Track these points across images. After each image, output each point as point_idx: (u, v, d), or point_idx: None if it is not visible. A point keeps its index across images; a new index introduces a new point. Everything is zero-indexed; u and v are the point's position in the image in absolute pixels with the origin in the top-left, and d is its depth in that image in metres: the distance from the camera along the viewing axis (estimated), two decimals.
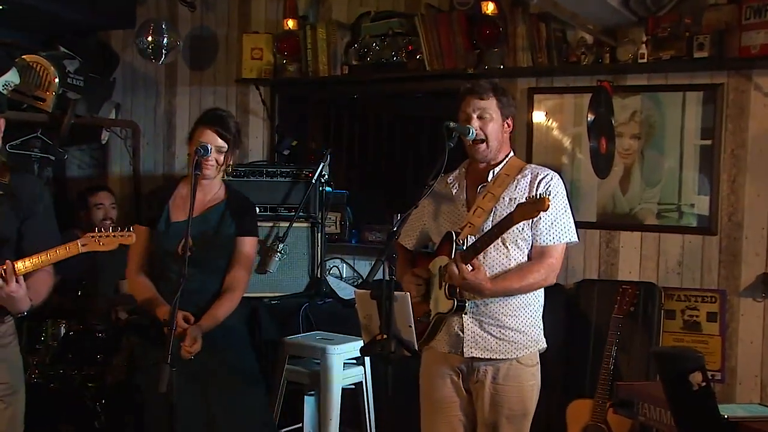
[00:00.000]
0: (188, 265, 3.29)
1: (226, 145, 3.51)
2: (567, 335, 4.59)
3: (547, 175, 3.23)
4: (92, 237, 3.00)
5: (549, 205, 2.85)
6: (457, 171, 3.37)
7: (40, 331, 4.46)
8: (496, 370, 3.20)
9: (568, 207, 3.24)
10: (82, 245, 2.98)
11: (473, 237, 3.15)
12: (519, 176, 3.23)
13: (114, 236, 3.02)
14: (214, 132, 3.48)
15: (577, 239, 3.25)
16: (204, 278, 3.51)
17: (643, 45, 4.38)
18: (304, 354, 4.29)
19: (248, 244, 3.62)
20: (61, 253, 2.98)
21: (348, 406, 4.29)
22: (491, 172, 3.25)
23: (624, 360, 4.36)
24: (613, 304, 4.25)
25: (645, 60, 4.39)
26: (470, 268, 3.05)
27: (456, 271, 3.04)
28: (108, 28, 6.20)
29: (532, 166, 3.31)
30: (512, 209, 3.10)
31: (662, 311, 4.43)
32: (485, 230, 3.13)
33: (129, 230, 3.06)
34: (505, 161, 3.28)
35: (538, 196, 2.88)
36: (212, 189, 3.60)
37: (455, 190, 3.31)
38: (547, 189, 3.16)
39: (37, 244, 3.01)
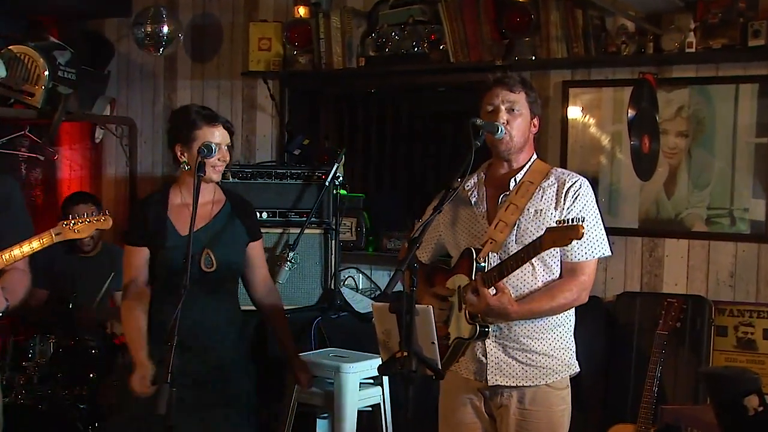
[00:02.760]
0: (208, 282, 3.43)
1: (230, 141, 3.55)
2: (606, 353, 4.57)
3: (575, 182, 3.20)
4: (65, 225, 3.10)
5: (583, 234, 2.81)
6: (476, 176, 3.34)
7: (27, 348, 4.47)
8: (522, 394, 3.18)
9: (599, 217, 3.22)
10: (56, 234, 3.07)
11: (495, 254, 3.13)
12: (544, 183, 3.20)
13: (89, 221, 3.10)
14: (224, 128, 3.50)
15: (610, 252, 3.23)
16: (224, 293, 3.58)
17: (691, 33, 4.37)
18: (317, 373, 4.27)
19: (261, 248, 3.75)
20: (35, 245, 3.05)
21: (364, 431, 4.28)
22: (513, 179, 3.23)
23: (669, 381, 4.33)
24: (657, 320, 4.22)
25: (693, 49, 4.37)
26: (493, 291, 3.03)
27: (475, 299, 3.03)
28: (102, 16, 6.24)
29: (557, 170, 3.28)
30: (537, 222, 3.09)
31: (712, 327, 4.40)
32: (508, 246, 3.12)
33: (105, 213, 3.17)
34: (527, 166, 3.25)
35: (571, 221, 2.83)
36: (210, 191, 3.60)
37: (474, 199, 3.29)
38: (576, 198, 3.15)
39: (15, 240, 3.09)
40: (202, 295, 3.46)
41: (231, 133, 3.54)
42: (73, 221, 3.10)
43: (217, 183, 3.65)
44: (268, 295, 3.79)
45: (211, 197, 3.59)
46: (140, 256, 3.55)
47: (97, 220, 3.13)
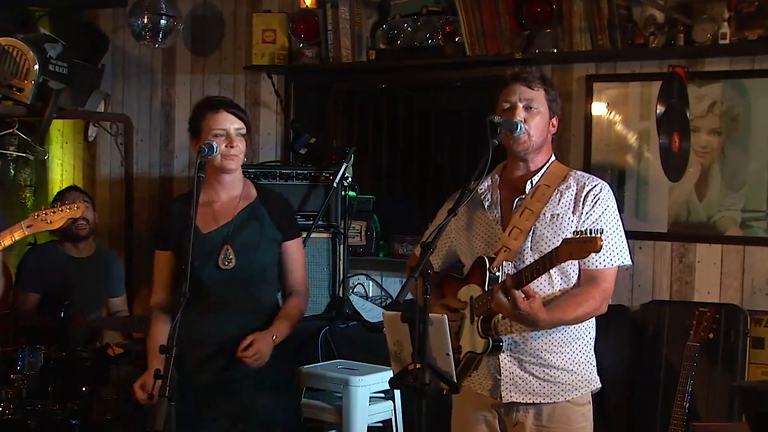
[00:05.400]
0: (228, 282, 3.40)
1: (245, 127, 3.52)
2: (632, 366, 4.56)
3: (595, 186, 3.20)
4: (37, 216, 3.15)
5: (601, 246, 2.80)
6: (490, 178, 3.34)
7: (15, 359, 4.48)
8: (539, 410, 3.17)
9: (620, 224, 3.22)
10: (27, 227, 3.13)
11: (509, 263, 3.13)
12: (562, 186, 3.21)
13: (61, 210, 3.15)
14: (229, 113, 3.49)
15: (630, 262, 3.23)
16: (254, 294, 3.56)
17: (725, 23, 4.35)
18: (324, 386, 4.28)
19: (299, 247, 3.72)
20: (5, 239, 3.08)
21: None
22: (529, 182, 3.23)
23: (701, 397, 4.32)
24: (688, 330, 4.20)
25: (727, 41, 4.36)
26: (522, 295, 3.02)
27: (506, 300, 3.00)
28: (96, 6, 6.26)
29: (577, 173, 3.28)
30: (554, 228, 3.11)
31: (748, 339, 4.38)
32: (523, 254, 3.13)
33: (79, 201, 3.27)
34: (545, 168, 3.25)
35: (589, 233, 2.82)
36: (237, 186, 3.58)
37: (487, 203, 3.29)
38: (595, 203, 3.14)
39: None
40: (222, 298, 3.47)
41: (240, 119, 3.51)
42: (44, 211, 3.15)
43: (251, 179, 3.67)
44: (290, 299, 3.69)
45: (237, 192, 3.58)
46: (167, 261, 3.56)
47: (69, 209, 3.18)
